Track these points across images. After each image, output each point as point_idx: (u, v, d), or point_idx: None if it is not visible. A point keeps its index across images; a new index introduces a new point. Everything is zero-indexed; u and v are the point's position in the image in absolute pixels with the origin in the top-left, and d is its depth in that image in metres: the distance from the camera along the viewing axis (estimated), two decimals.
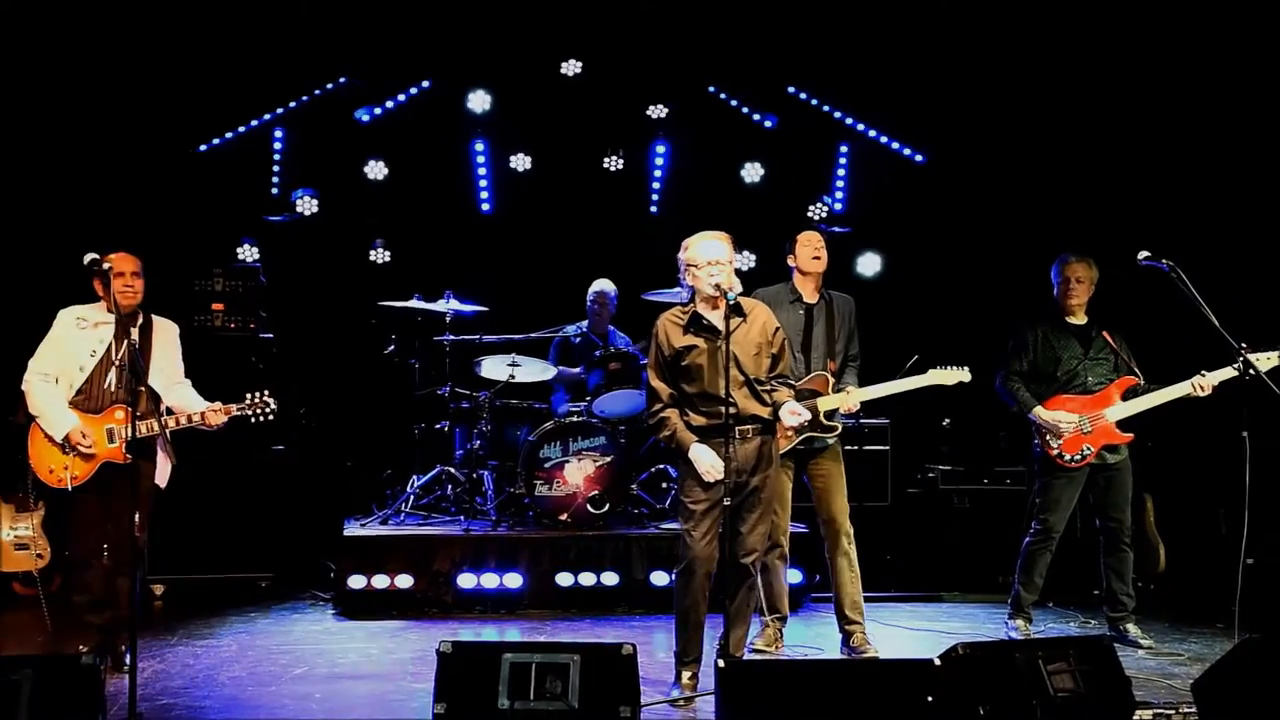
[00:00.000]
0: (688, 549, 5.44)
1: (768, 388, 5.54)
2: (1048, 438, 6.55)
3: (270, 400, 5.89)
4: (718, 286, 5.36)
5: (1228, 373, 6.13)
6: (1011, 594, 6.80)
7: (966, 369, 6.28)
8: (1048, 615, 7.31)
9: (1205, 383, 6.22)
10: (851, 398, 6.19)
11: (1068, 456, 6.52)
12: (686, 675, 5.53)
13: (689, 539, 5.44)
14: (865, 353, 6.52)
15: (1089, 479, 6.60)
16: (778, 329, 5.62)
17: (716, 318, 5.44)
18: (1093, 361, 6.63)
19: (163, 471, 5.97)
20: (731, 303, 5.32)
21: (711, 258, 5.43)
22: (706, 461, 5.34)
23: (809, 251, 6.32)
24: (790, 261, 6.38)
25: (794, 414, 5.40)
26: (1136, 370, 6.58)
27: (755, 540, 5.52)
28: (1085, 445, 6.50)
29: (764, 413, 5.48)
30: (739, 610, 5.55)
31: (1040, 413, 6.56)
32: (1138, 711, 4.86)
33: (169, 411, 5.89)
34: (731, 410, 5.29)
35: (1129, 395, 6.51)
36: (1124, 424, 6.49)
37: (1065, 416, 6.51)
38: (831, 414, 6.21)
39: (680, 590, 5.53)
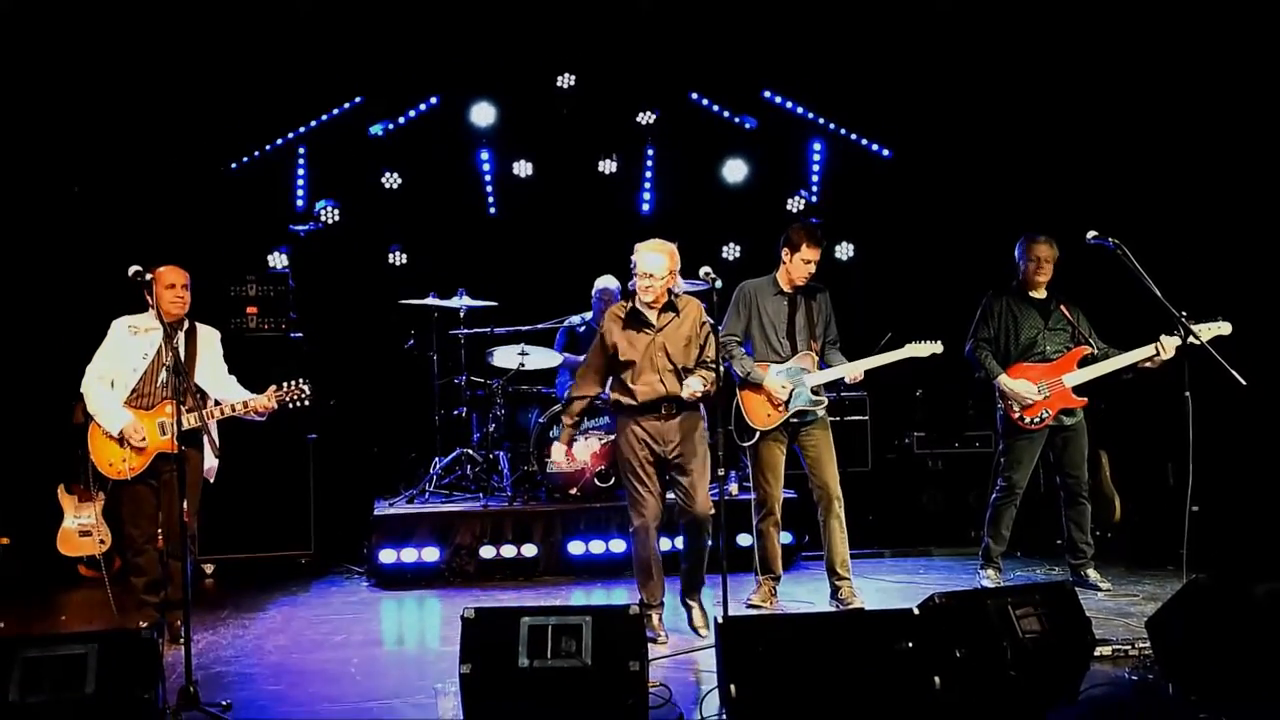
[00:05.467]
0: (636, 514, 5.72)
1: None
2: (1011, 403, 6.57)
3: (305, 387, 5.90)
4: (649, 291, 5.63)
5: (1177, 339, 6.16)
6: (982, 546, 6.82)
7: (939, 342, 6.30)
8: (1015, 565, 7.34)
9: (1168, 344, 6.21)
10: (856, 367, 6.23)
11: (1028, 419, 6.54)
12: (655, 617, 5.74)
13: (636, 504, 5.72)
14: (844, 330, 6.54)
15: (1048, 439, 6.62)
16: (705, 323, 5.75)
17: (653, 315, 5.71)
18: (1051, 332, 6.62)
19: (209, 465, 6.00)
20: (669, 299, 5.67)
21: (645, 270, 5.63)
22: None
23: (806, 268, 6.24)
24: (784, 256, 6.29)
25: (688, 386, 5.60)
26: (1091, 340, 6.59)
27: (703, 497, 5.69)
28: (1044, 409, 6.52)
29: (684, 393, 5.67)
30: (697, 561, 5.82)
31: (1005, 381, 6.56)
32: (1098, 648, 4.92)
33: (216, 404, 5.92)
34: (661, 392, 5.62)
35: (1084, 363, 6.54)
36: (1079, 389, 6.51)
37: (1026, 387, 6.51)
38: (818, 388, 6.24)
39: (635, 548, 5.80)
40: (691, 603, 5.90)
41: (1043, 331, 6.62)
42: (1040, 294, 6.68)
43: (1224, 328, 6.16)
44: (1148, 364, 6.35)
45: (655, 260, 5.61)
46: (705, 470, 5.74)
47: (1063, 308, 6.64)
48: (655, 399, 5.66)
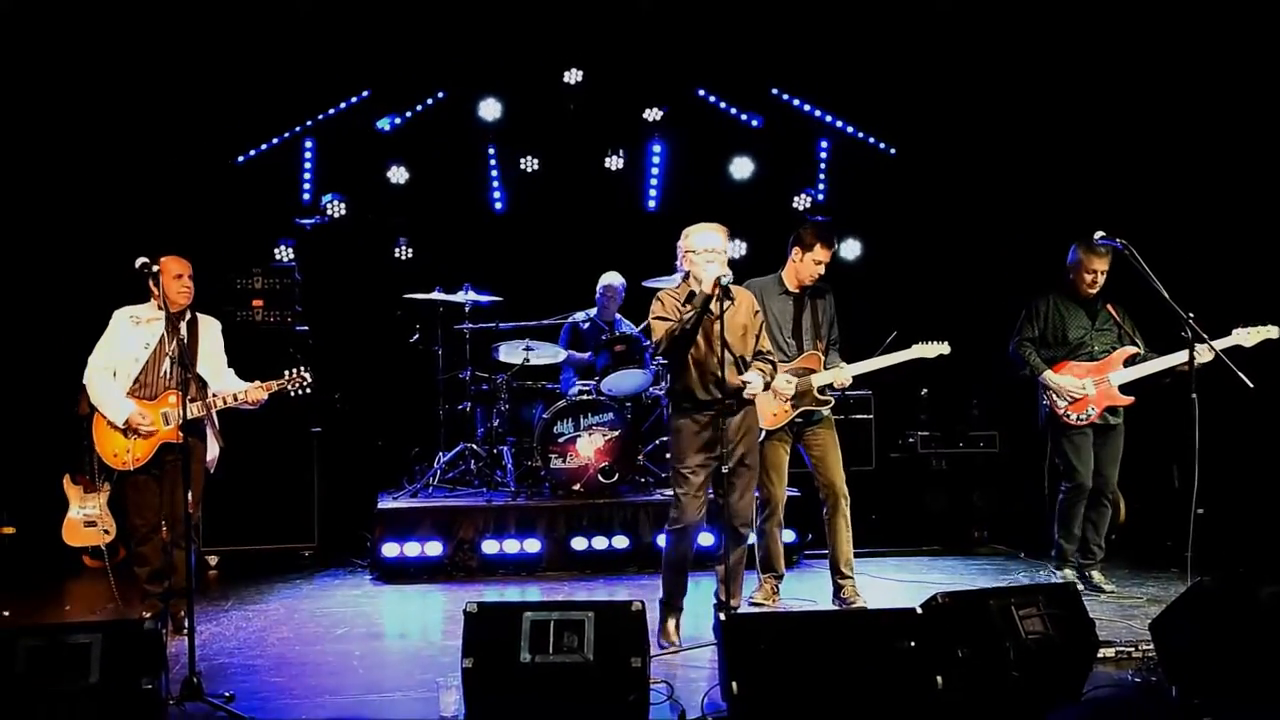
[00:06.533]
0: (681, 511, 5.49)
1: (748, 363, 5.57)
2: (1055, 398, 6.54)
3: (307, 375, 5.90)
4: (718, 280, 5.37)
5: (1227, 341, 6.13)
6: (1055, 549, 6.72)
7: (945, 343, 6.29)
8: (1020, 565, 7.34)
9: (1202, 350, 6.13)
10: (845, 373, 6.20)
11: (1074, 416, 6.50)
12: (672, 623, 5.61)
13: (681, 501, 5.49)
14: (850, 329, 6.54)
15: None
16: (758, 312, 5.66)
17: (712, 300, 5.45)
18: (1099, 332, 6.58)
19: (211, 455, 6.01)
20: (724, 285, 5.33)
21: (708, 246, 5.47)
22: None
23: (817, 268, 6.21)
24: (794, 255, 6.24)
25: (751, 385, 5.42)
26: (1138, 340, 6.56)
27: (745, 507, 5.56)
28: (1090, 406, 6.48)
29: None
30: (734, 569, 5.56)
31: (1050, 376, 6.51)
32: (1101, 650, 4.91)
33: (214, 394, 5.91)
34: (722, 382, 5.36)
35: (1129, 363, 6.49)
36: (1124, 388, 6.48)
37: (1073, 381, 6.48)
38: (824, 388, 6.23)
39: (672, 546, 5.60)
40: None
41: (1090, 331, 6.59)
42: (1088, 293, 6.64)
43: (1271, 331, 6.14)
44: (1184, 368, 6.30)
45: (715, 237, 5.49)
46: (754, 477, 5.67)
47: (1109, 307, 6.60)
48: (717, 393, 5.46)
